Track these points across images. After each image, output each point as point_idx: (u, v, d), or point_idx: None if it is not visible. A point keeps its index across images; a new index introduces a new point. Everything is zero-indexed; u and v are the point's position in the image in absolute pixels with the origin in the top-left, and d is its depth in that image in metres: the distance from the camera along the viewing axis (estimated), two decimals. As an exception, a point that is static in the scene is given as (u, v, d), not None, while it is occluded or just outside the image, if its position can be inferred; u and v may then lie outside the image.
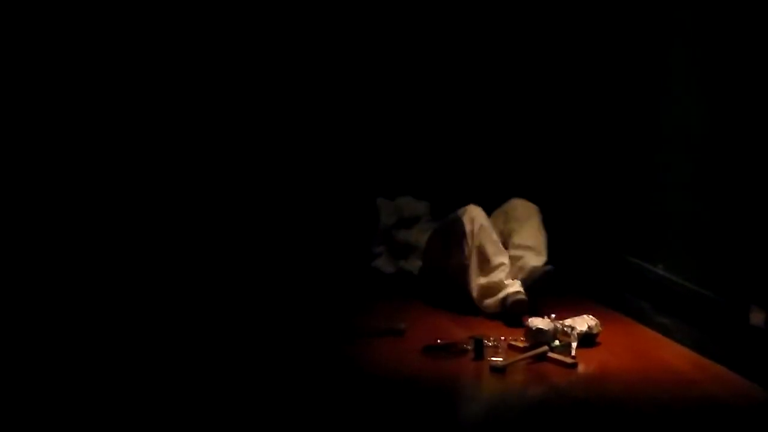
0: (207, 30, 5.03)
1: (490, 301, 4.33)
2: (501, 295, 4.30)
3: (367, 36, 5.16)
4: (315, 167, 5.19)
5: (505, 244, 4.48)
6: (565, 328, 3.90)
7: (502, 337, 4.00)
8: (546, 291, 4.35)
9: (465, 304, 4.37)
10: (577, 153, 4.91)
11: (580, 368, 3.80)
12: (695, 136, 4.11)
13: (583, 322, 3.96)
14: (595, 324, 3.99)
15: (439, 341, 3.94)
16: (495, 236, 4.42)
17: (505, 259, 4.40)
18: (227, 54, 5.06)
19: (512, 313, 4.24)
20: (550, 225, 4.94)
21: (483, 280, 4.35)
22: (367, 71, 5.19)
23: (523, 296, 4.27)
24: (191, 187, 5.05)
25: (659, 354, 3.97)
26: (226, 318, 4.24)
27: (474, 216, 4.39)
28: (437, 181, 5.16)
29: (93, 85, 4.94)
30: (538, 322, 3.90)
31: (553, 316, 3.95)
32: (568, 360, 3.82)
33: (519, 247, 4.46)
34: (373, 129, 5.22)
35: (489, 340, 3.94)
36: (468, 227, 4.37)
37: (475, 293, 4.36)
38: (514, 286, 4.31)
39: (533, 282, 4.33)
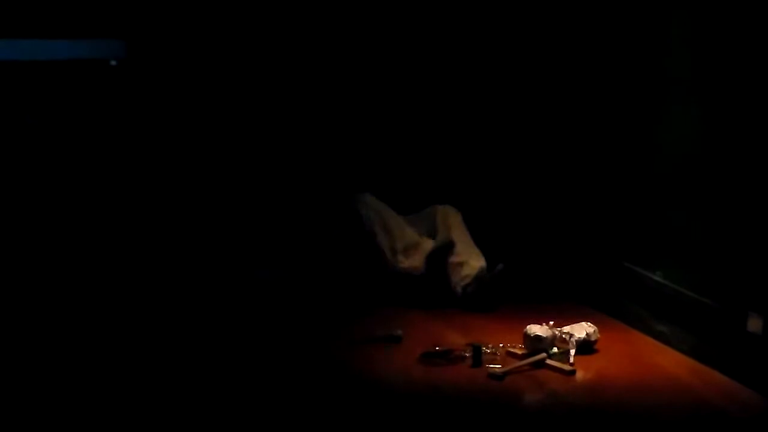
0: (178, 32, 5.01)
1: (408, 263, 4.63)
2: (426, 248, 4.63)
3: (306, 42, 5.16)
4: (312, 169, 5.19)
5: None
6: (564, 335, 3.91)
7: (501, 344, 4.00)
8: (503, 289, 4.51)
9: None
10: (576, 160, 4.91)
11: (579, 375, 3.80)
12: (693, 143, 4.11)
13: (581, 329, 3.96)
14: (594, 331, 4.00)
15: (437, 348, 3.95)
16: (392, 212, 4.75)
17: (408, 226, 4.72)
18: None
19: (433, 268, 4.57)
20: (548, 232, 4.96)
21: (399, 245, 4.64)
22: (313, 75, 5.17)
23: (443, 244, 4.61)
24: (189, 189, 5.03)
25: (657, 361, 3.97)
26: (223, 323, 4.25)
27: (366, 201, 4.73)
28: (433, 185, 5.16)
29: (88, 89, 4.94)
30: (536, 329, 3.90)
31: (552, 323, 3.96)
32: (567, 367, 3.82)
33: (458, 254, 4.64)
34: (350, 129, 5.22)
35: (487, 347, 3.94)
36: (363, 211, 4.70)
37: (388, 256, 4.64)
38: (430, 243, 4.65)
39: (490, 281, 4.49)
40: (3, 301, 4.34)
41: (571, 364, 3.83)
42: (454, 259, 4.64)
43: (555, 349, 3.89)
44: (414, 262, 4.62)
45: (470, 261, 4.60)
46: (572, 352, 3.87)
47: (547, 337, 3.89)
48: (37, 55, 4.72)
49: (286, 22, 5.07)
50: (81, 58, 4.81)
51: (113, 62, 4.82)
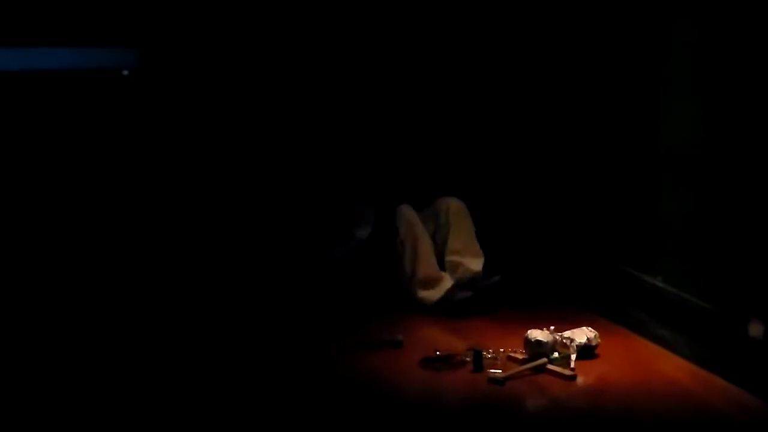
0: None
1: (424, 294, 4.56)
2: (445, 286, 4.54)
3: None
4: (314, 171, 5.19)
5: (438, 247, 4.70)
6: (564, 340, 3.90)
7: (501, 349, 4.00)
8: (497, 298, 4.53)
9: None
10: (576, 164, 4.91)
11: (579, 380, 3.80)
12: (694, 147, 4.12)
13: (582, 334, 3.96)
14: (594, 336, 3.99)
15: (438, 353, 3.94)
16: (425, 234, 4.68)
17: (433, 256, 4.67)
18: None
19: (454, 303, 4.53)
20: (548, 236, 4.96)
21: (421, 274, 4.57)
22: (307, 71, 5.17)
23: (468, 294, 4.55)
24: (190, 191, 5.04)
25: (658, 366, 3.97)
26: (223, 328, 4.25)
27: (405, 217, 4.66)
28: (433, 190, 5.16)
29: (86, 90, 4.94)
30: (537, 334, 3.90)
31: (552, 328, 3.95)
32: (567, 372, 3.82)
33: (457, 252, 4.64)
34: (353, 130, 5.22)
35: (488, 352, 3.94)
36: (401, 229, 4.64)
37: (407, 280, 4.62)
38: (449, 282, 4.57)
39: (482, 288, 4.52)
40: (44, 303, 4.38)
41: (572, 369, 3.83)
42: (451, 258, 4.64)
43: (556, 354, 3.88)
44: (430, 295, 4.56)
45: (466, 263, 4.60)
46: (573, 357, 3.87)
47: (547, 342, 3.89)
48: (48, 65, 4.70)
49: (294, 28, 5.07)
50: (92, 68, 4.79)
51: (125, 72, 4.81)
